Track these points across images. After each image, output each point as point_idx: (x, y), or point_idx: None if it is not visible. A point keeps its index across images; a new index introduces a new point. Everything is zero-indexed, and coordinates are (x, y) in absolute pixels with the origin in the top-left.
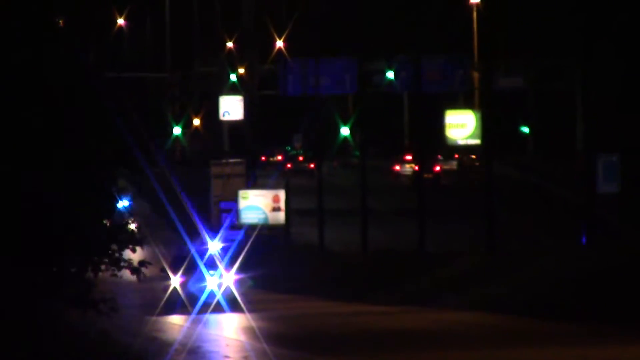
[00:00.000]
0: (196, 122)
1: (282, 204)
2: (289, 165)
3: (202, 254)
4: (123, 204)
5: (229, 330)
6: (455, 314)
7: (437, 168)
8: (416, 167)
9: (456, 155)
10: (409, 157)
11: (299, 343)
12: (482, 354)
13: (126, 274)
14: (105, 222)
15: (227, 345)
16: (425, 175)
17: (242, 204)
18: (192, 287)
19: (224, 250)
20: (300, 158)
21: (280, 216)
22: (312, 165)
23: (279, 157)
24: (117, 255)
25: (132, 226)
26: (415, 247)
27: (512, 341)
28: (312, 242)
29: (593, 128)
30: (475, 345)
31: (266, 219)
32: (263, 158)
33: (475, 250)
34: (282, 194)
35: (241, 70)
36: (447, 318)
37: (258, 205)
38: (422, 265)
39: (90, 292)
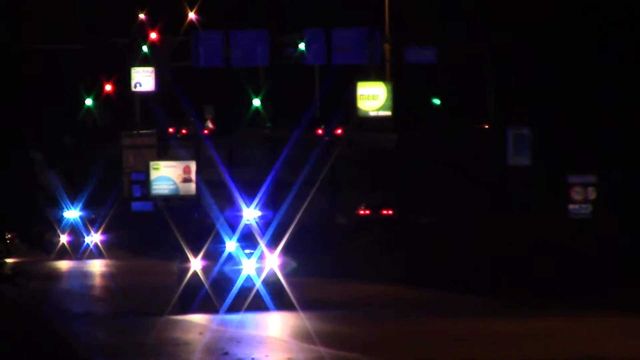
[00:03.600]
0: (108, 91)
1: (193, 175)
2: (184, 131)
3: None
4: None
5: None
6: (369, 286)
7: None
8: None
9: None
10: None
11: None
12: (411, 326)
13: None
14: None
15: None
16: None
17: (154, 175)
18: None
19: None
20: (207, 131)
21: (191, 187)
22: (205, 131)
23: (171, 130)
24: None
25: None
26: (325, 218)
27: (426, 314)
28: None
29: (504, 101)
30: (399, 318)
31: (177, 189)
32: (171, 130)
33: (385, 222)
34: (192, 164)
35: (153, 37)
36: (362, 291)
37: (169, 176)
38: (334, 237)
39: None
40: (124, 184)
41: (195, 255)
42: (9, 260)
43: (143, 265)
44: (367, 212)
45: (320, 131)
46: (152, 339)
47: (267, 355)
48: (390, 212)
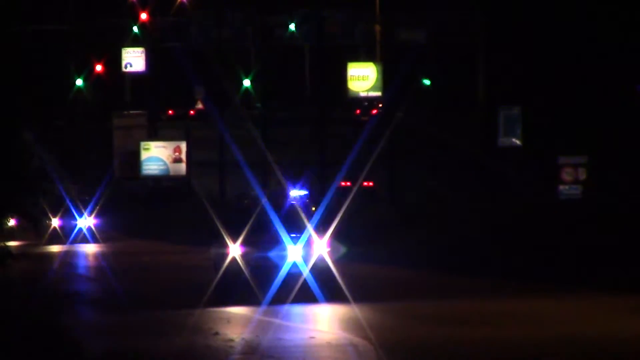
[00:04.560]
0: (98, 72)
1: (184, 155)
2: (170, 112)
3: None
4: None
5: None
6: (363, 267)
7: None
8: None
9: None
10: None
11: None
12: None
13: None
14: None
15: None
16: None
17: (144, 155)
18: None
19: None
20: (192, 111)
21: (182, 167)
22: (192, 112)
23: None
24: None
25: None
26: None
27: (426, 294)
28: (214, 193)
29: (494, 81)
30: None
31: (167, 170)
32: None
33: (376, 203)
34: (183, 145)
35: (143, 18)
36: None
37: (160, 156)
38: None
39: None
40: (115, 165)
41: (234, 239)
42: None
43: (147, 249)
44: (348, 183)
45: (357, 111)
46: (141, 319)
47: (257, 336)
48: (370, 183)
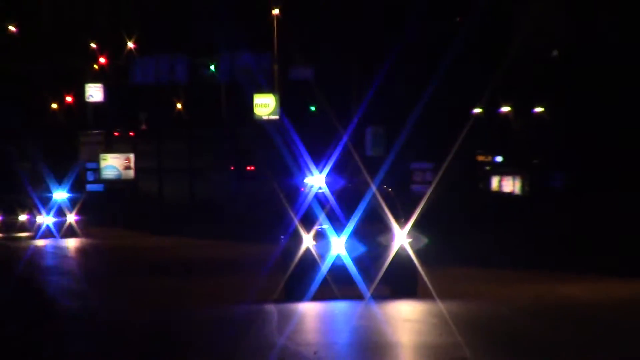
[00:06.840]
0: (68, 102)
1: (132, 164)
2: (116, 134)
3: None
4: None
5: None
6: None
7: None
8: None
9: None
10: None
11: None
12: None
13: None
14: None
15: None
16: None
17: (102, 164)
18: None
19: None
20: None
21: (130, 173)
22: (131, 134)
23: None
24: None
25: None
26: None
27: None
28: (154, 194)
29: (365, 106)
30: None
31: (120, 175)
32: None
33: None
34: (131, 156)
35: (102, 62)
36: None
37: (114, 165)
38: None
39: None
40: (80, 171)
41: (308, 230)
42: None
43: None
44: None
45: None
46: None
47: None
48: (252, 167)
